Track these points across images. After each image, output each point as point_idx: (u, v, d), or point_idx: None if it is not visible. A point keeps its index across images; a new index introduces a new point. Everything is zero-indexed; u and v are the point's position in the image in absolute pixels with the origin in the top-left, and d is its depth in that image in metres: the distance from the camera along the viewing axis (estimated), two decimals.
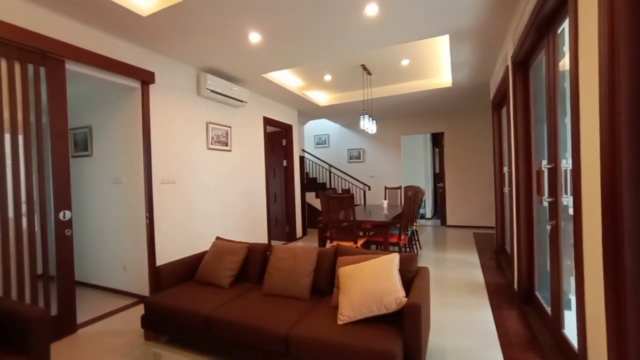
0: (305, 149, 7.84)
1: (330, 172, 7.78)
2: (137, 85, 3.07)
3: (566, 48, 1.89)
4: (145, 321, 2.24)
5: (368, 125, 4.27)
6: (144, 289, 3.18)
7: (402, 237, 3.67)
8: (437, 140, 8.19)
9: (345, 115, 6.70)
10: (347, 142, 7.82)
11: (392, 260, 1.82)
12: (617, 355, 1.15)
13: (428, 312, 1.95)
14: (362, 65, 4.28)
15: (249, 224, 4.66)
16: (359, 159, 7.68)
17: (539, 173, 2.50)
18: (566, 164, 1.95)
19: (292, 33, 2.95)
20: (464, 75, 4.38)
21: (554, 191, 2.09)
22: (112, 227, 3.42)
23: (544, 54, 2.21)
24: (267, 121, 5.16)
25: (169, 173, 3.37)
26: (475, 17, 2.76)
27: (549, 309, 2.31)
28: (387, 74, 4.65)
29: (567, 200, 1.92)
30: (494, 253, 4.50)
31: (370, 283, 1.71)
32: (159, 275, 2.36)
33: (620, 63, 1.10)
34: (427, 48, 3.81)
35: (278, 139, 5.85)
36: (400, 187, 5.62)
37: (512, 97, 2.97)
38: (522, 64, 2.75)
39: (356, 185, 7.54)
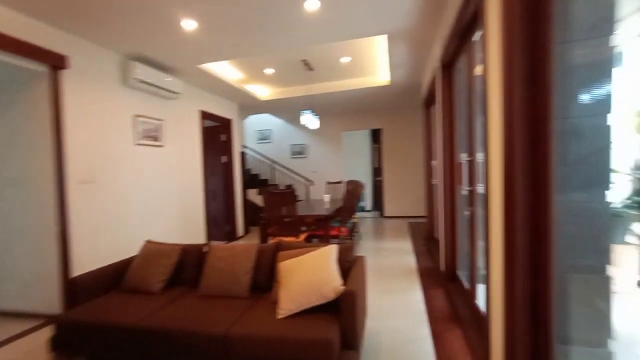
0: (247, 145, 7.64)
1: (273, 168, 7.71)
2: (44, 69, 2.66)
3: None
4: (57, 343, 1.92)
5: (310, 120, 4.31)
6: (53, 306, 2.74)
7: (343, 229, 3.80)
8: (376, 136, 8.62)
9: (288, 110, 6.67)
10: (291, 137, 7.81)
11: (330, 251, 1.88)
12: (509, 313, 1.36)
13: (364, 298, 2.06)
14: (303, 60, 4.30)
15: (185, 225, 4.40)
16: (302, 154, 7.73)
17: (459, 165, 2.79)
18: (481, 157, 2.21)
19: (230, 23, 2.83)
20: (401, 75, 4.67)
21: (471, 181, 2.38)
22: (8, 237, 2.89)
23: (465, 58, 2.46)
24: (205, 115, 4.90)
25: (88, 171, 3.00)
26: (410, 19, 2.95)
27: (467, 285, 2.61)
28: (328, 70, 4.74)
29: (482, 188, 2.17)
30: (425, 240, 4.92)
31: (309, 275, 1.75)
32: (74, 288, 2.09)
33: (515, 73, 1.27)
34: (367, 47, 3.97)
35: (217, 134, 5.60)
36: (341, 182, 5.80)
37: (438, 96, 3.25)
38: (448, 66, 3.02)
39: (299, 181, 7.59)
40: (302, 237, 3.59)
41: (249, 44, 3.31)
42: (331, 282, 1.69)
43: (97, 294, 2.21)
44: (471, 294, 2.39)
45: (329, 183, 5.91)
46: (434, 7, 2.74)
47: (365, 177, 8.51)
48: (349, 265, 2.05)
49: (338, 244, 2.09)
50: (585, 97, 1.31)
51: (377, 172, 8.56)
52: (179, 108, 4.31)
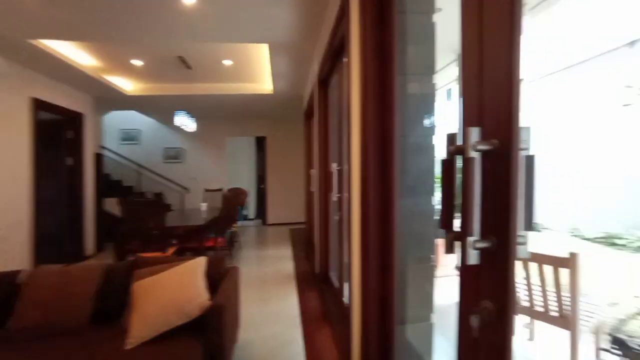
0: (107, 146, 6.41)
1: (140, 173, 6.70)
2: None
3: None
4: None
5: (184, 122, 3.95)
6: None
7: (220, 240, 3.60)
8: (261, 143, 8.61)
9: (161, 109, 5.96)
10: (164, 140, 6.99)
11: (197, 265, 1.73)
12: (364, 303, 1.51)
13: (236, 310, 1.97)
14: (179, 57, 3.92)
15: None
16: (178, 159, 7.01)
17: (331, 174, 3.05)
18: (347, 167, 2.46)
19: None
20: (283, 85, 4.79)
21: (340, 188, 2.62)
22: None
23: (337, 77, 2.71)
24: (41, 105, 3.86)
25: None
26: (291, 34, 3.04)
27: (337, 284, 2.84)
28: (209, 71, 4.47)
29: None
30: (304, 245, 5.15)
31: (170, 293, 1.55)
32: None
33: (368, 95, 1.47)
34: (250, 53, 3.92)
35: (60, 130, 4.49)
36: (221, 189, 5.52)
37: (316, 110, 3.49)
38: (324, 82, 3.27)
39: (173, 189, 6.83)
40: (171, 251, 3.20)
41: (110, 28, 2.81)
42: (196, 298, 1.55)
43: None
44: (339, 292, 2.61)
45: (208, 190, 5.52)
46: (313, 26, 2.93)
47: (249, 185, 8.36)
48: (219, 278, 1.92)
49: (214, 256, 1.94)
50: (421, 121, 1.62)
51: (261, 179, 8.53)
52: None
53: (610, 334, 1.17)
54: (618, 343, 1.15)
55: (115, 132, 6.78)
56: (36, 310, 1.60)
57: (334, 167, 2.87)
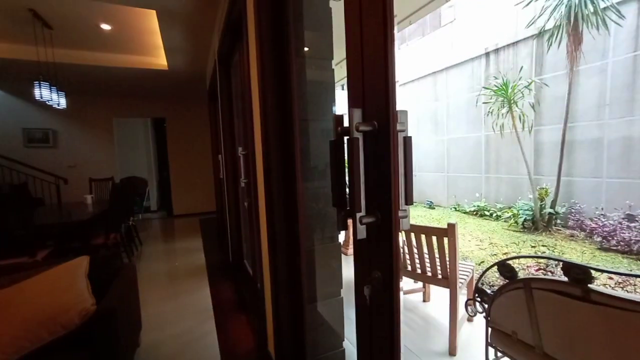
0: None
1: None
2: None
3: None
4: None
5: (49, 96, 3.23)
6: None
7: (112, 236, 3.13)
8: (159, 126, 7.68)
9: (15, 78, 4.71)
10: (24, 119, 5.59)
11: (76, 266, 1.46)
12: (274, 287, 1.54)
13: (134, 312, 1.76)
14: (31, 10, 3.11)
15: None
16: (47, 142, 5.73)
17: (239, 158, 2.94)
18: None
19: None
20: (180, 61, 4.30)
21: (247, 173, 2.53)
22: None
23: (239, 55, 2.55)
24: None
25: None
26: (182, 1, 2.70)
27: (252, 272, 2.80)
28: (80, 35, 3.70)
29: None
30: (216, 235, 4.90)
31: (38, 304, 1.27)
32: None
33: (266, 77, 1.42)
34: (137, 19, 3.36)
35: None
36: (112, 178, 4.77)
37: (220, 90, 3.25)
38: (226, 61, 3.05)
39: (43, 179, 5.59)
40: (42, 255, 2.64)
41: None
42: (76, 305, 1.31)
43: None
44: (254, 279, 2.58)
45: (94, 180, 4.69)
46: None
47: (148, 173, 7.43)
48: (110, 278, 1.67)
49: (105, 254, 1.66)
50: (322, 105, 1.65)
51: (163, 166, 7.69)
52: None
53: (475, 286, 1.45)
54: (479, 291, 1.44)
55: None
56: None
57: (239, 151, 2.76)
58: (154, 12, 2.98)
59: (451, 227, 1.85)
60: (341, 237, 3.57)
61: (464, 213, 6.42)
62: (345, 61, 0.68)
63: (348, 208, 0.60)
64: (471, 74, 6.65)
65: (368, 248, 0.68)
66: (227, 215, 3.53)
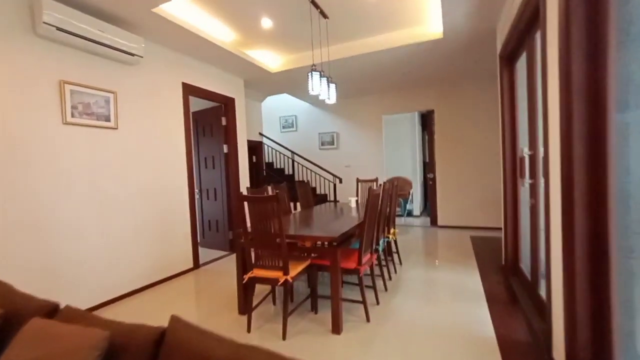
0: (266, 134, 6.39)
1: (293, 160, 6.38)
2: None
3: None
4: None
5: (318, 87, 2.90)
6: None
7: (366, 257, 2.34)
8: (426, 121, 6.85)
9: (306, 86, 5.30)
10: (319, 124, 6.43)
11: None
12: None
13: None
14: (312, 1, 2.90)
15: (159, 236, 3.30)
16: (332, 144, 6.30)
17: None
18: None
19: None
20: (459, 18, 3.01)
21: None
22: None
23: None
24: (191, 90, 3.74)
25: None
26: None
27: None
28: (350, 17, 3.27)
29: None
30: (501, 270, 3.20)
31: None
32: None
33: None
34: None
35: (216, 117, 4.44)
36: (376, 180, 4.27)
37: (544, 19, 1.60)
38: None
39: (325, 177, 6.16)
40: (296, 271, 2.19)
41: None
42: None
43: None
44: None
45: (361, 181, 4.41)
46: None
47: (412, 173, 6.80)
48: None
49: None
50: None
51: (428, 166, 6.81)
52: (144, 76, 3.18)
53: None
54: None
55: (275, 120, 6.77)
56: None
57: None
58: None
59: None
60: None
61: None
62: None
63: None
64: None
65: None
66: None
